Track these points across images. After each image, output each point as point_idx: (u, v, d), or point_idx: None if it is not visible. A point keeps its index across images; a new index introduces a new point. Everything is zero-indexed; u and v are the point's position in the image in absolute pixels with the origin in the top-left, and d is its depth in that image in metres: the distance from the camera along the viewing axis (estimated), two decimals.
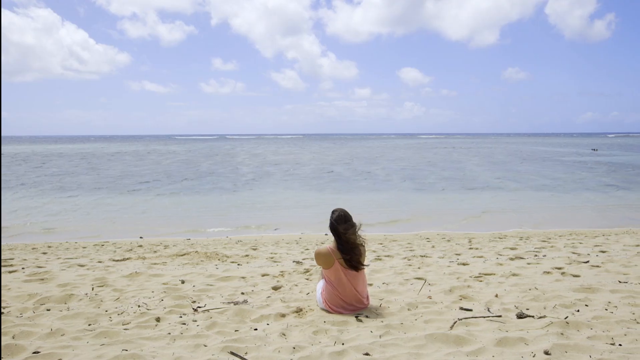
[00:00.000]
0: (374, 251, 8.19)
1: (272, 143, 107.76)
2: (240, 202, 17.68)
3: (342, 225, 4.07)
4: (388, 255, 7.59)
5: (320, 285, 4.31)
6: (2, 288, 4.95)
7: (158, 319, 3.93)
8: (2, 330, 3.55)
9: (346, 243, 4.06)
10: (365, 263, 4.22)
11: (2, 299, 4.54)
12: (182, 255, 7.88)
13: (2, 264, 6.80)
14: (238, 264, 6.96)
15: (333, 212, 4.21)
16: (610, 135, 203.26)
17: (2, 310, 4.17)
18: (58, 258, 7.74)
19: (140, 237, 11.20)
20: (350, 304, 4.11)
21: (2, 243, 9.23)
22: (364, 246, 4.17)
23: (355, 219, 4.19)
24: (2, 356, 3.04)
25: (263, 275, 5.78)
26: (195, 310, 4.23)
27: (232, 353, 2.97)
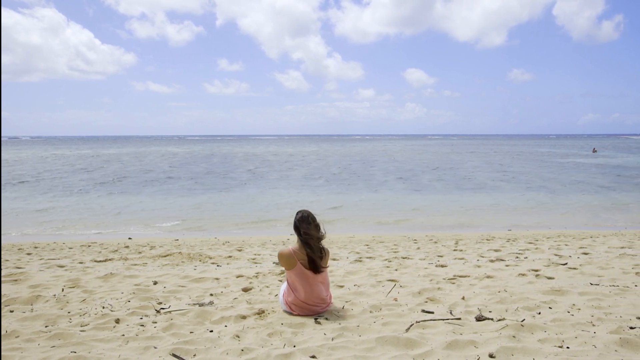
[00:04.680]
0: (358, 252, 8.15)
1: (273, 143, 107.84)
2: (249, 201, 18.14)
3: (304, 225, 4.08)
4: (370, 257, 7.56)
5: (283, 287, 4.30)
6: None
7: (117, 321, 3.92)
8: None
9: (311, 242, 4.06)
10: (326, 265, 4.20)
11: None
12: (165, 256, 7.87)
13: None
14: (217, 265, 6.95)
15: (297, 213, 4.22)
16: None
17: None
18: (40, 259, 7.76)
19: (129, 238, 11.22)
20: (311, 305, 4.08)
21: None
22: (326, 248, 4.18)
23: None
24: None
25: (238, 277, 5.76)
26: (158, 311, 4.22)
27: (174, 355, 2.95)
